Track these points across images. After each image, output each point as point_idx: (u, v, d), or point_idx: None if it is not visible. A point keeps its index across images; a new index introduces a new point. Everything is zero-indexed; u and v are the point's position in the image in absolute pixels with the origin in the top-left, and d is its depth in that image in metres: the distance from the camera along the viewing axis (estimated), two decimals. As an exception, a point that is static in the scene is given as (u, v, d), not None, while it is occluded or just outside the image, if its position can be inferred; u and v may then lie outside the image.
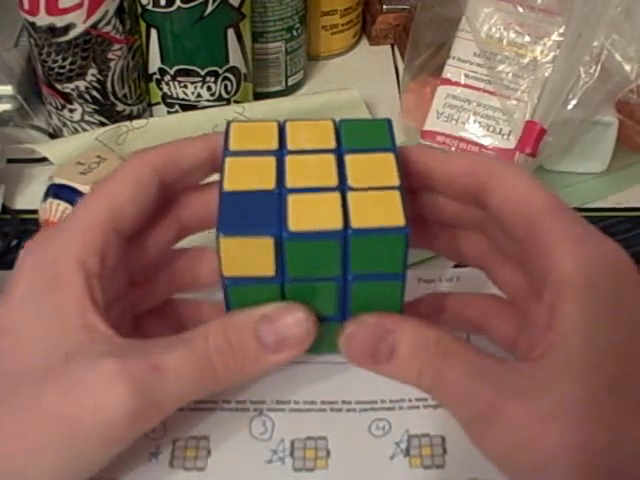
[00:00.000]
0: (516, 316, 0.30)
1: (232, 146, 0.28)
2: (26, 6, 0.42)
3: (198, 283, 0.32)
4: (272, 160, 0.27)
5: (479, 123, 0.45)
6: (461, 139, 0.46)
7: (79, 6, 0.42)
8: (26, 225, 0.43)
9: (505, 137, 0.45)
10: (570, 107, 0.43)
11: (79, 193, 0.39)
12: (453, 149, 0.46)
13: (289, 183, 0.26)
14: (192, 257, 0.32)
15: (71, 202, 0.39)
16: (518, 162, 0.44)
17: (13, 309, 0.27)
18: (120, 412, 0.25)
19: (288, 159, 0.27)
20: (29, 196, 0.45)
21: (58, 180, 0.39)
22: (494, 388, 0.25)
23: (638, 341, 0.25)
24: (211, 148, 0.29)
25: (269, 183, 0.26)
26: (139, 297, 0.31)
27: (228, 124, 0.29)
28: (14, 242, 0.42)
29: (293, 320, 0.27)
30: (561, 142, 0.44)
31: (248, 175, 0.27)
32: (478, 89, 0.46)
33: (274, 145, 0.28)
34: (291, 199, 0.26)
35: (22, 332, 0.26)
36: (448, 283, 0.39)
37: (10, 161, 0.45)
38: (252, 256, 0.25)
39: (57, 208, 0.39)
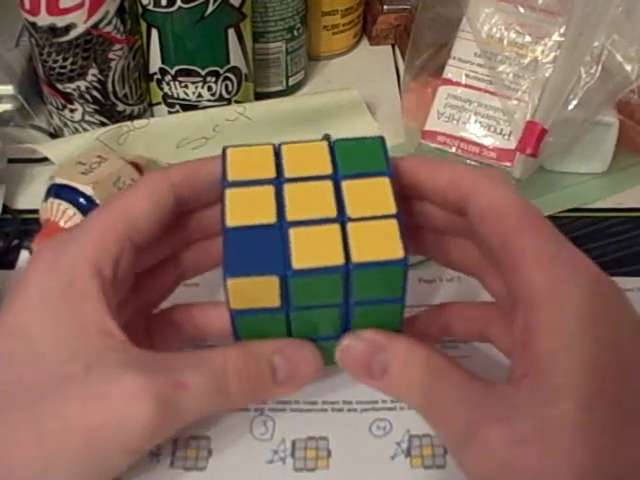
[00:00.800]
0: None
1: (230, 176, 0.28)
2: (27, 6, 0.42)
3: (203, 271, 0.33)
4: (271, 190, 0.27)
5: (480, 123, 0.45)
6: (462, 139, 0.46)
7: (80, 6, 0.42)
8: (27, 225, 0.42)
9: (506, 137, 0.45)
10: (571, 107, 0.43)
11: (80, 193, 0.39)
12: (454, 149, 0.46)
13: (289, 215, 0.26)
14: (196, 250, 0.32)
15: (72, 202, 0.39)
16: (518, 162, 0.44)
17: (24, 311, 0.27)
18: (143, 425, 0.25)
19: (287, 188, 0.27)
20: (30, 196, 0.45)
21: (59, 180, 0.39)
22: (477, 412, 0.25)
23: (617, 355, 0.25)
24: None
25: (270, 216, 0.27)
26: (148, 298, 0.32)
27: (224, 150, 0.29)
28: (15, 242, 0.42)
29: (305, 359, 0.28)
30: (562, 142, 0.44)
31: (249, 208, 0.27)
32: (479, 89, 0.46)
33: (271, 172, 0.28)
34: (293, 233, 0.26)
35: (35, 335, 0.26)
36: (448, 283, 0.39)
37: (11, 161, 0.45)
38: (258, 291, 0.26)
39: (58, 208, 0.39)
